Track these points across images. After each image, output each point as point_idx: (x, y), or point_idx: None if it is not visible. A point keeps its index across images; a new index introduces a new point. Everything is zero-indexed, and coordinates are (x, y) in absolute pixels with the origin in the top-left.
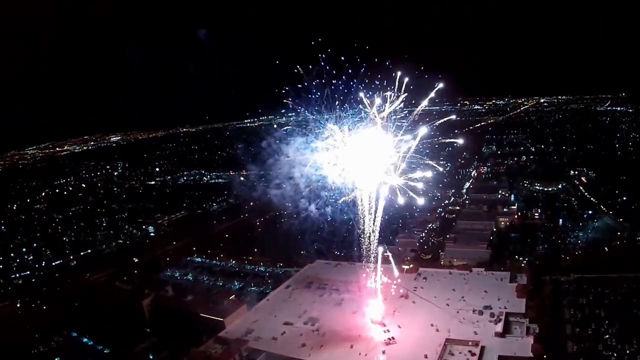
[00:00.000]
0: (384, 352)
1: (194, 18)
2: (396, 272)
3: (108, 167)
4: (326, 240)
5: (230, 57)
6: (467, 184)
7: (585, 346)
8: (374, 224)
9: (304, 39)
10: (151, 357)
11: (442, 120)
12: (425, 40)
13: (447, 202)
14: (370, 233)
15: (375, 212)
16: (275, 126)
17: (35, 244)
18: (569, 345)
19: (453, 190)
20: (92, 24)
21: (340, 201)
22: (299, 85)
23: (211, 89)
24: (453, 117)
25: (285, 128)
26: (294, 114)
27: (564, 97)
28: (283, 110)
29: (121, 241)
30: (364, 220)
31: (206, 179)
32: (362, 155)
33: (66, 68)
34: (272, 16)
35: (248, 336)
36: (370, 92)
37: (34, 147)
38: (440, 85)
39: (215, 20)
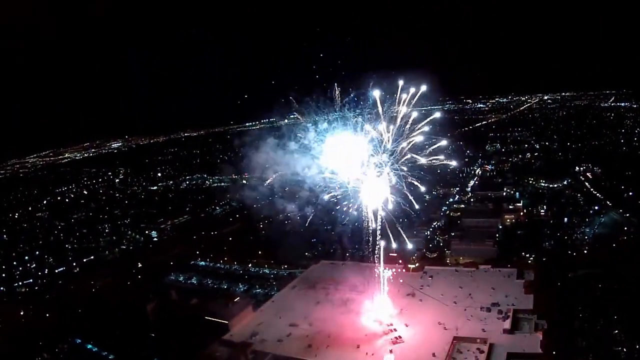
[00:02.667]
0: (391, 352)
1: (194, 20)
2: (402, 271)
3: (109, 173)
4: (330, 240)
5: (229, 58)
6: (472, 182)
7: (595, 342)
8: (378, 223)
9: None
10: None
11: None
12: (427, 38)
13: (451, 200)
14: (374, 232)
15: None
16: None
17: (37, 252)
18: (578, 341)
19: (457, 189)
20: (92, 27)
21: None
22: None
23: (211, 91)
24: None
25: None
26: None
27: (568, 94)
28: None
29: (124, 247)
30: (368, 220)
31: (208, 182)
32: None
33: (66, 73)
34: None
35: (253, 338)
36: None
37: (34, 155)
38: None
39: (215, 22)
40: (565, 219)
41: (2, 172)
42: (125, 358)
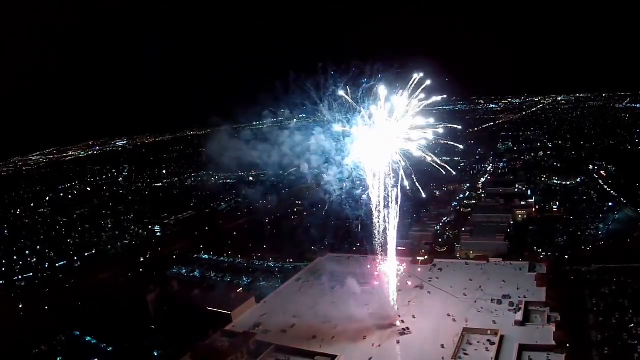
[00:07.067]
0: (398, 342)
1: (199, 19)
2: (410, 264)
3: (114, 170)
4: (337, 234)
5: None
6: (483, 179)
7: (610, 335)
8: (387, 216)
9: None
10: (156, 353)
11: None
12: (441, 39)
13: (462, 196)
14: (382, 226)
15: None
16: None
17: (38, 247)
18: (593, 334)
19: (468, 185)
20: (96, 26)
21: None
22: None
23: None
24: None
25: None
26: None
27: (582, 95)
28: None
29: (127, 241)
30: (376, 213)
31: (214, 179)
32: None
33: (69, 72)
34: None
35: (256, 329)
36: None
37: (38, 152)
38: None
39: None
40: (579, 215)
41: (5, 169)
42: (125, 350)
